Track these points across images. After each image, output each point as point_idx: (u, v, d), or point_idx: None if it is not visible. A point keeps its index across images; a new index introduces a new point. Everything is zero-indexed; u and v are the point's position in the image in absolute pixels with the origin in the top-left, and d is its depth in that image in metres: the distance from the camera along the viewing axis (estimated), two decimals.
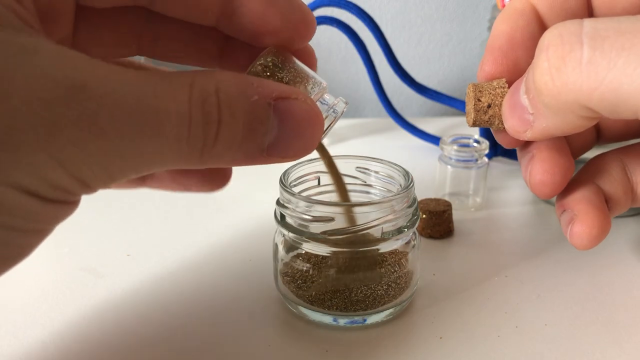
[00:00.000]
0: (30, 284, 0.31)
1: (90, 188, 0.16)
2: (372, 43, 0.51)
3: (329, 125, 0.22)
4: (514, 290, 0.30)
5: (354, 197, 0.31)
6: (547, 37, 0.19)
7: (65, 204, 0.16)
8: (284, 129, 0.19)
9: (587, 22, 0.18)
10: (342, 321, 0.27)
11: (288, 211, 0.27)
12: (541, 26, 0.24)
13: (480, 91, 0.24)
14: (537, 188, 0.24)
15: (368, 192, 0.31)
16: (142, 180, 0.24)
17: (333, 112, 0.22)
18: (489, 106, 0.23)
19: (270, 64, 0.20)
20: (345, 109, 0.23)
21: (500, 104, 0.23)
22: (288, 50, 0.22)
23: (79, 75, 0.15)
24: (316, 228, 0.26)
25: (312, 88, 0.21)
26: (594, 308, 0.28)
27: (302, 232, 0.26)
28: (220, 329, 0.27)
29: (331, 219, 0.26)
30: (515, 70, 0.24)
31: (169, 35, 0.23)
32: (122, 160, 0.16)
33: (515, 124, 0.22)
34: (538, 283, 0.31)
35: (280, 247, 0.28)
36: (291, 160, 0.20)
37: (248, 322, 0.27)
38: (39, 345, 0.26)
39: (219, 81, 0.17)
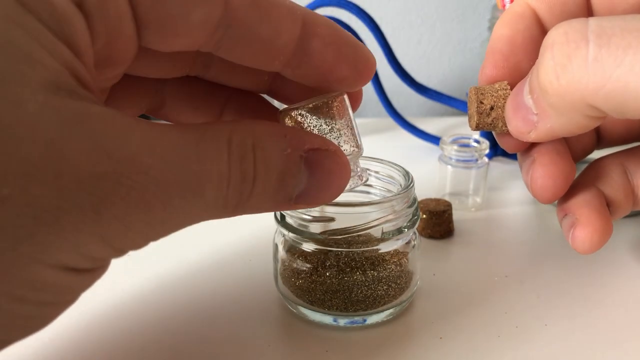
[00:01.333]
0: None
1: (124, 253, 0.16)
2: (372, 43, 0.51)
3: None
4: (514, 290, 0.30)
5: (354, 197, 0.31)
6: (552, 35, 0.19)
7: (98, 270, 0.16)
8: (313, 180, 0.19)
9: (593, 20, 0.18)
10: (342, 321, 0.27)
11: (288, 211, 0.26)
12: (541, 29, 0.24)
13: (482, 94, 0.23)
14: (539, 193, 0.24)
15: (368, 192, 0.31)
16: None
17: (358, 178, 0.22)
18: (491, 108, 0.23)
19: (324, 109, 0.20)
20: (365, 183, 0.23)
21: (503, 106, 0.23)
22: (348, 94, 0.21)
23: (129, 146, 0.14)
24: (316, 228, 0.26)
25: (349, 149, 0.21)
26: (594, 308, 0.28)
27: (302, 232, 0.26)
28: (220, 329, 0.27)
29: (331, 219, 0.26)
30: (517, 74, 0.24)
31: (222, 67, 0.22)
32: (161, 226, 0.16)
33: (519, 124, 0.22)
34: (538, 283, 0.31)
35: (280, 247, 0.28)
36: (315, 207, 0.19)
37: (248, 322, 0.27)
38: (39, 345, 0.25)
39: (255, 136, 0.17)
